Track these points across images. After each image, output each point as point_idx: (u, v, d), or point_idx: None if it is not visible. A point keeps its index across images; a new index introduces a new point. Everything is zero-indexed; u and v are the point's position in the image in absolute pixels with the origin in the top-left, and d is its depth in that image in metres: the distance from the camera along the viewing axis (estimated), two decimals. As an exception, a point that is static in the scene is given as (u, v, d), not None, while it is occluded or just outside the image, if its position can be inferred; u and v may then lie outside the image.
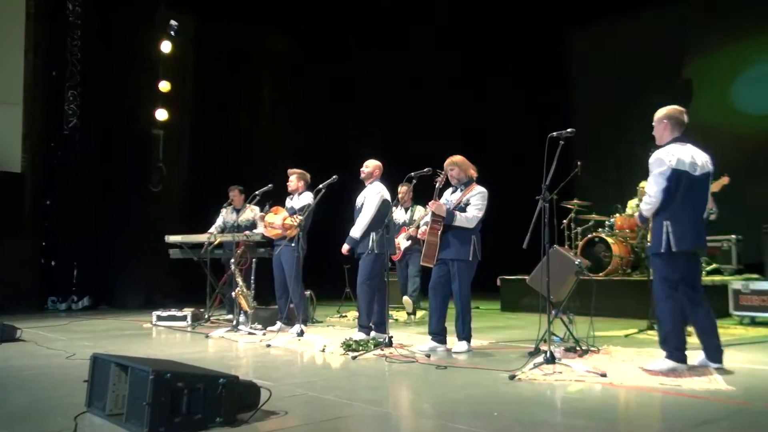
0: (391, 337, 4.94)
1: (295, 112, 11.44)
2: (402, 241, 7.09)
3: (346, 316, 7.97)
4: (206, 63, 10.44)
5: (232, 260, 6.55)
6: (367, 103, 11.45)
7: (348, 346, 4.95)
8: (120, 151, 9.75)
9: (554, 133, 4.12)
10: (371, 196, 5.44)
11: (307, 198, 6.48)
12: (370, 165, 5.63)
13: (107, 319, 7.98)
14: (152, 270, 9.78)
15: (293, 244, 6.18)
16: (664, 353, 3.92)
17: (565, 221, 8.21)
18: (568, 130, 4.14)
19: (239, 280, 6.46)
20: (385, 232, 5.40)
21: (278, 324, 6.45)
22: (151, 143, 10.02)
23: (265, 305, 6.98)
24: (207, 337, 5.96)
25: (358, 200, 5.65)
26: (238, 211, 7.62)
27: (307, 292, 7.09)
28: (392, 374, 4.10)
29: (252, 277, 6.38)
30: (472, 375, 4.00)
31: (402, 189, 6.47)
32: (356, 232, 5.51)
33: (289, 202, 6.62)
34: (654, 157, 3.95)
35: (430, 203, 4.95)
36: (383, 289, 5.44)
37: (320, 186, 5.53)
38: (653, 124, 4.08)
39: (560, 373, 3.84)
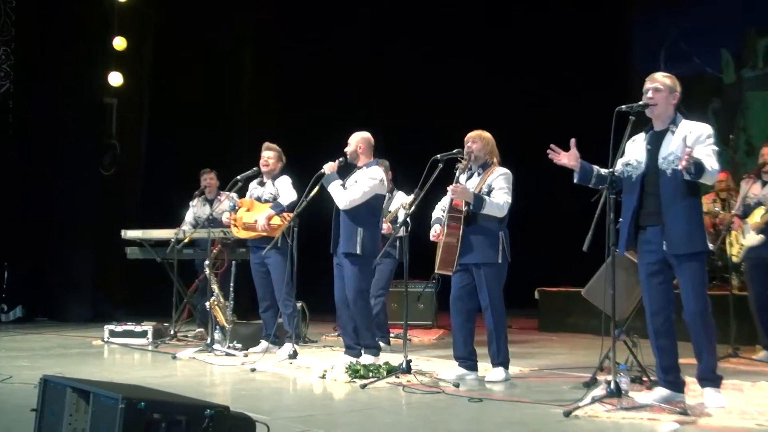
0: (410, 361, 4.89)
1: (282, 81, 11.36)
2: None
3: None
4: (172, 15, 10.39)
5: (207, 262, 6.49)
6: (363, 71, 11.40)
7: (355, 372, 4.93)
8: (63, 125, 9.68)
9: (623, 107, 4.06)
10: (365, 179, 5.41)
11: (286, 184, 6.47)
12: (352, 141, 5.58)
13: (46, 333, 8.02)
14: (102, 274, 9.80)
15: (279, 246, 6.23)
16: None
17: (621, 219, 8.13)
18: (640, 102, 4.08)
19: (215, 287, 6.42)
20: (377, 229, 5.46)
21: (263, 343, 6.43)
22: (102, 115, 9.98)
23: (245, 320, 6.97)
24: (174, 358, 5.97)
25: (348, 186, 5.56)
26: (211, 201, 7.62)
27: (298, 304, 7.02)
28: (413, 408, 4.06)
29: (231, 285, 6.32)
30: (515, 410, 3.96)
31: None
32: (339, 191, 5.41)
33: (256, 189, 6.58)
34: None
35: (450, 187, 4.91)
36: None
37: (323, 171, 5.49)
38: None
39: (628, 409, 3.79)
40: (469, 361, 5.08)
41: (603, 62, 10.93)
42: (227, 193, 7.20)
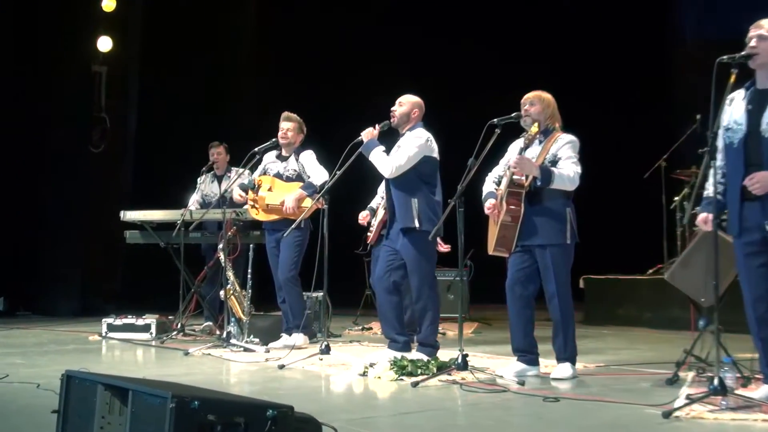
0: (466, 355, 4.66)
1: (293, 47, 11.08)
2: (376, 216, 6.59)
3: (371, 329, 7.80)
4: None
5: (220, 246, 6.27)
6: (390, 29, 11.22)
7: (401, 369, 4.70)
8: (47, 97, 9.57)
9: (725, 57, 3.79)
10: (410, 139, 5.18)
11: (313, 160, 6.28)
12: (406, 102, 5.35)
13: (33, 328, 7.97)
14: (92, 263, 9.73)
15: (301, 227, 6.07)
16: None
17: (677, 198, 7.91)
18: (743, 53, 3.81)
19: (230, 274, 6.19)
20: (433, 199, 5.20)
21: (284, 337, 6.28)
22: (89, 85, 9.85)
23: (260, 311, 6.77)
24: (186, 354, 5.77)
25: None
26: (220, 178, 7.43)
27: (320, 294, 6.84)
28: (482, 409, 3.85)
29: (249, 271, 6.08)
30: (604, 411, 3.74)
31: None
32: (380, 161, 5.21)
33: (274, 164, 6.38)
34: None
35: (512, 160, 4.65)
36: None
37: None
38: None
39: (735, 409, 3.55)
40: (529, 354, 4.86)
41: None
42: (238, 169, 7.03)
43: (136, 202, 8.74)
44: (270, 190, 6.27)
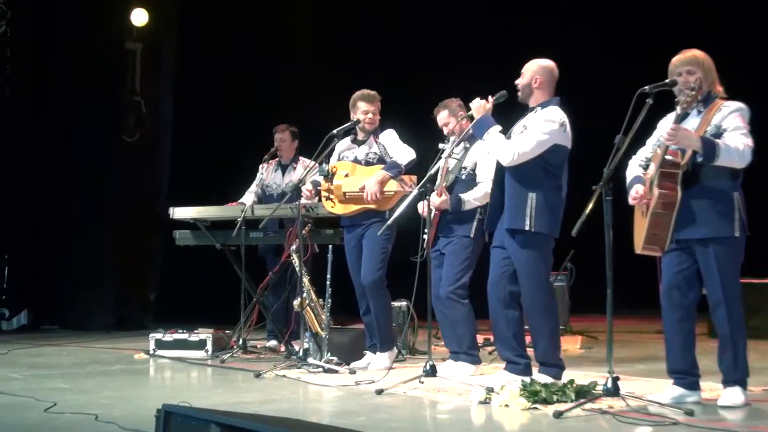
0: (617, 378, 4.22)
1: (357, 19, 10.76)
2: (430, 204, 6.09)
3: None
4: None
5: (294, 247, 5.99)
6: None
7: (533, 394, 4.32)
8: (74, 80, 9.40)
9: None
10: (540, 122, 4.80)
11: (396, 138, 5.99)
12: (526, 71, 4.95)
13: (66, 345, 7.85)
14: (127, 269, 9.58)
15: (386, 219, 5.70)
16: None
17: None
18: None
19: (306, 280, 5.86)
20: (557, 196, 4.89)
21: (368, 355, 5.99)
22: (122, 65, 9.63)
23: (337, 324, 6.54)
24: (258, 376, 5.49)
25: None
26: (285, 167, 7.19)
27: (403, 303, 6.67)
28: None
29: (328, 277, 5.76)
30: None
31: (441, 115, 5.77)
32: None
33: (350, 151, 6.10)
34: None
35: (666, 133, 4.19)
36: None
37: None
38: None
39: None
40: (689, 376, 4.44)
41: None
42: (305, 160, 6.99)
43: (176, 197, 8.57)
44: (347, 176, 5.91)
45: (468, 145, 5.64)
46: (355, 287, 6.06)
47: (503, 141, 4.83)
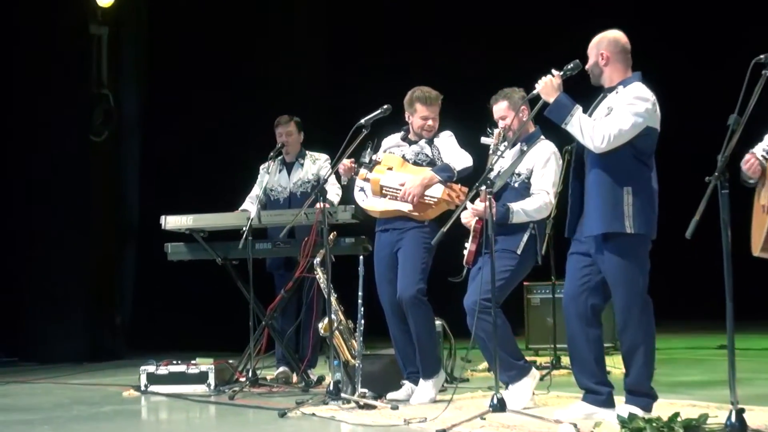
0: (742, 411, 3.93)
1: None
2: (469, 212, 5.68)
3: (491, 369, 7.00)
4: None
5: (318, 260, 5.77)
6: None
7: None
8: (34, 69, 9.25)
9: None
10: (629, 99, 4.53)
11: (454, 143, 5.73)
12: (591, 50, 4.66)
13: (35, 381, 7.67)
14: (101, 291, 9.44)
15: (425, 226, 5.53)
16: None
17: None
18: None
19: (334, 300, 5.64)
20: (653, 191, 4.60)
21: (408, 386, 5.67)
22: (88, 53, 9.45)
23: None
24: (283, 415, 5.18)
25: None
26: (290, 166, 6.95)
27: (438, 323, 6.31)
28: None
29: (360, 294, 5.51)
30: None
31: (499, 106, 5.46)
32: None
33: (397, 149, 5.83)
34: None
35: None
36: None
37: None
38: None
39: None
40: None
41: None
42: (315, 154, 6.85)
43: (151, 206, 8.68)
44: (390, 170, 5.60)
45: (525, 148, 5.29)
46: (383, 304, 5.75)
47: (591, 122, 4.49)
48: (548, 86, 4.56)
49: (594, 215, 4.49)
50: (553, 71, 4.62)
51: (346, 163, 5.64)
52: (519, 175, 5.27)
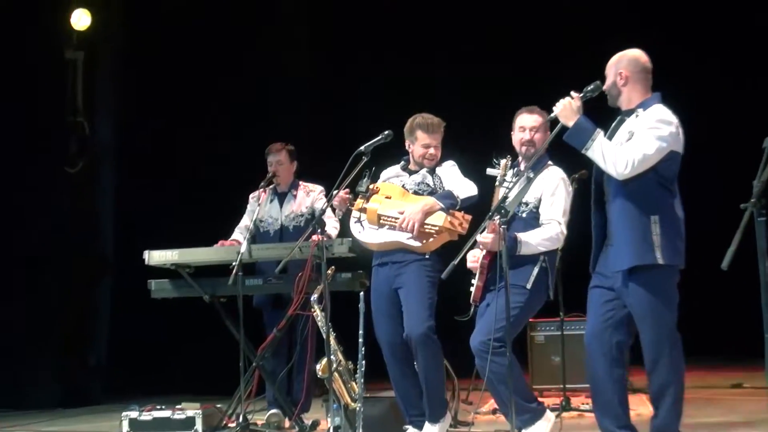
0: None
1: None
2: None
3: (495, 412, 6.77)
4: None
5: (314, 297, 5.69)
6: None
7: None
8: (6, 96, 9.11)
9: None
10: (651, 122, 4.47)
11: (457, 172, 5.68)
12: (610, 65, 4.64)
13: (7, 429, 7.60)
14: (75, 330, 9.27)
15: (427, 258, 5.47)
16: None
17: None
18: None
19: (333, 340, 5.55)
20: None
21: (412, 430, 5.58)
22: (62, 78, 9.39)
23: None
24: None
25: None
26: (283, 196, 6.89)
27: None
28: None
29: (360, 333, 5.43)
30: None
31: (531, 119, 5.37)
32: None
33: (396, 179, 5.79)
34: None
35: None
36: None
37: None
38: None
39: None
40: None
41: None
42: (309, 185, 6.83)
43: (136, 239, 8.52)
44: (389, 199, 5.50)
45: (531, 175, 5.19)
46: (382, 345, 5.64)
47: (613, 147, 4.41)
48: (567, 109, 4.49)
49: (623, 247, 4.41)
50: (573, 93, 4.56)
51: (340, 194, 5.55)
52: (526, 204, 5.17)
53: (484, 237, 4.96)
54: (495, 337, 4.82)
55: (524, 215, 5.15)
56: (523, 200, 5.17)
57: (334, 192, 5.44)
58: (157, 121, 9.98)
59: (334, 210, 5.88)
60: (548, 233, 5.06)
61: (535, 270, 5.09)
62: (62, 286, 9.15)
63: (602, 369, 4.54)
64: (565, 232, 5.13)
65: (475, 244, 5.00)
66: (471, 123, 9.11)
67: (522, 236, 4.99)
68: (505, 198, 4.80)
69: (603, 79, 4.56)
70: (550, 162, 5.25)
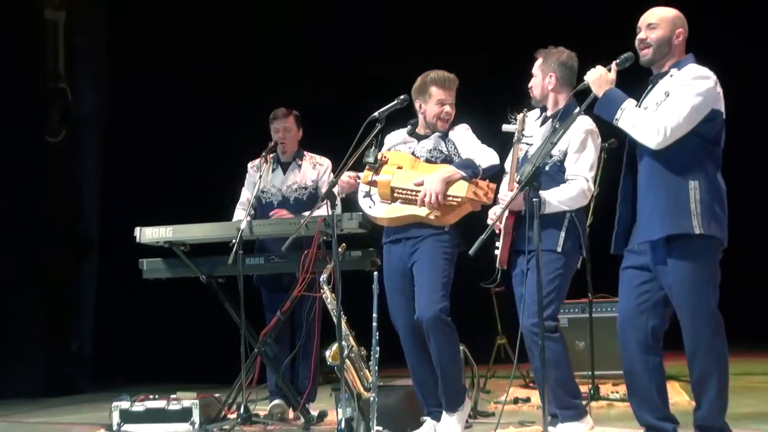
0: None
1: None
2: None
3: (528, 400, 6.88)
4: None
5: (323, 278, 5.50)
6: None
7: None
8: None
9: None
10: (688, 81, 4.37)
11: (472, 137, 5.55)
12: (661, 20, 4.50)
13: None
14: (55, 316, 9.27)
15: (445, 231, 5.36)
16: None
17: None
18: None
19: (345, 325, 5.38)
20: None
21: (428, 423, 5.49)
22: (42, 40, 9.36)
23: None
24: None
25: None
26: (286, 166, 6.82)
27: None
28: None
29: (374, 316, 5.18)
30: None
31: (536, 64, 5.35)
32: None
33: (403, 146, 5.67)
34: None
35: None
36: None
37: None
38: None
39: None
40: None
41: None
42: (314, 156, 6.75)
43: (123, 216, 8.48)
44: (400, 169, 5.36)
45: (557, 125, 5.03)
46: (398, 328, 5.54)
47: (645, 115, 4.30)
48: (602, 79, 4.41)
49: (653, 215, 4.28)
50: (620, 59, 4.47)
51: (345, 178, 5.42)
52: (551, 157, 5.01)
53: (503, 195, 4.95)
54: (547, 315, 4.72)
55: (548, 169, 5.02)
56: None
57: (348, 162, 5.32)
58: (144, 88, 9.93)
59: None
60: (575, 190, 4.93)
61: (564, 229, 4.99)
62: (42, 267, 9.15)
63: (638, 357, 4.45)
64: (592, 188, 5.02)
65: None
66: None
67: (545, 194, 4.87)
68: (525, 156, 4.72)
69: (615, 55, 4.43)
70: (578, 109, 5.09)
